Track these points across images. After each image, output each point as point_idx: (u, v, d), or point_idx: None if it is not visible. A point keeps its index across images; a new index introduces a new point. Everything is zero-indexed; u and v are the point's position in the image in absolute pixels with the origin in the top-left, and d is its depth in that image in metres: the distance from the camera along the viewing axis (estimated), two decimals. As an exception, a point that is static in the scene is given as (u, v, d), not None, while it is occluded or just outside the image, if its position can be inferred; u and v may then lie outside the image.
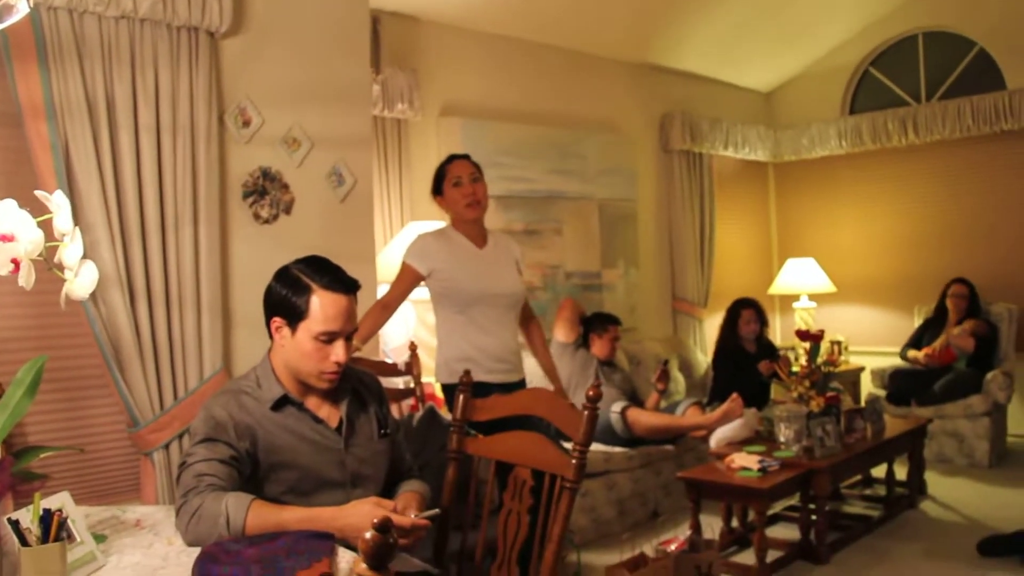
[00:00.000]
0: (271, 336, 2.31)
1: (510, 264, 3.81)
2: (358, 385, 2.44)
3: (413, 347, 4.39)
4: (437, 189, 3.78)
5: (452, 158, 3.78)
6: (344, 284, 2.26)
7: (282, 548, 1.83)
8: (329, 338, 2.23)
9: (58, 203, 1.90)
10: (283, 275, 2.29)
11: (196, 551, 1.87)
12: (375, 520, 1.41)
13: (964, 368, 6.52)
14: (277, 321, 2.27)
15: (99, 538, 2.04)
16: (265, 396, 2.27)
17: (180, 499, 2.05)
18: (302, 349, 2.23)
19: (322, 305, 2.21)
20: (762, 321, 6.34)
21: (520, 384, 3.76)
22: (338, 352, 2.24)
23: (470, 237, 3.74)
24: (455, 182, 3.70)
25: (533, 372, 4.15)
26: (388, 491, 2.44)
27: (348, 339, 2.27)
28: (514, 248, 3.90)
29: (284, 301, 2.24)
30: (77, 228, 1.91)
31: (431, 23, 5.49)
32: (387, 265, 4.74)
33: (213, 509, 1.99)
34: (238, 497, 2.02)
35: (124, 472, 3.74)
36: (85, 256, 1.96)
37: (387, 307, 3.68)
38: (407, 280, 3.69)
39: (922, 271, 7.55)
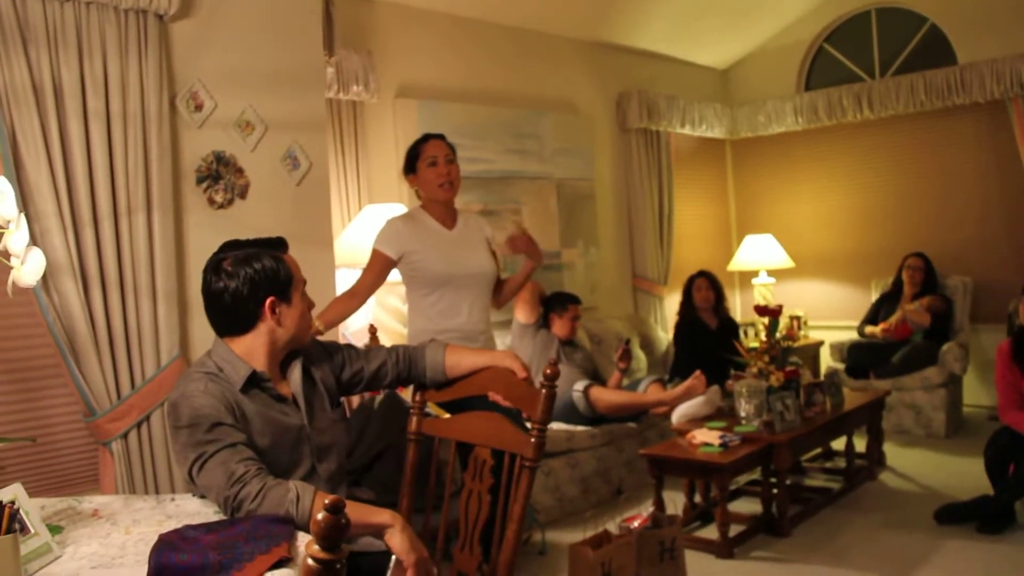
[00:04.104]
0: (252, 324, 2.29)
1: (480, 244, 3.78)
2: (303, 359, 2.43)
3: (373, 330, 4.37)
4: (410, 168, 3.72)
5: (427, 137, 3.72)
6: (285, 243, 2.39)
7: (240, 534, 1.82)
8: (304, 291, 2.38)
9: (2, 190, 1.86)
10: (253, 259, 2.27)
11: (153, 540, 1.84)
12: (324, 503, 1.39)
13: (921, 340, 6.61)
14: (273, 300, 2.28)
15: (55, 529, 2.02)
16: (232, 379, 2.24)
17: (234, 486, 2.02)
18: (299, 312, 2.33)
19: (293, 264, 2.35)
20: (716, 289, 6.40)
21: None
22: (309, 299, 2.40)
23: (439, 218, 3.71)
24: (431, 162, 3.64)
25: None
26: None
27: None
28: (485, 228, 3.86)
29: (275, 277, 2.28)
30: (23, 215, 1.88)
31: (385, 4, 5.44)
32: (345, 249, 4.71)
33: (279, 491, 2.01)
34: (303, 485, 2.05)
35: (83, 463, 3.70)
36: (35, 244, 1.93)
37: (355, 295, 3.62)
38: (378, 266, 3.64)
39: (878, 245, 7.64)
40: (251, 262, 2.26)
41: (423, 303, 3.67)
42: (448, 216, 3.73)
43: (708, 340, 6.20)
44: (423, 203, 3.75)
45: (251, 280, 2.25)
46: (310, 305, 2.39)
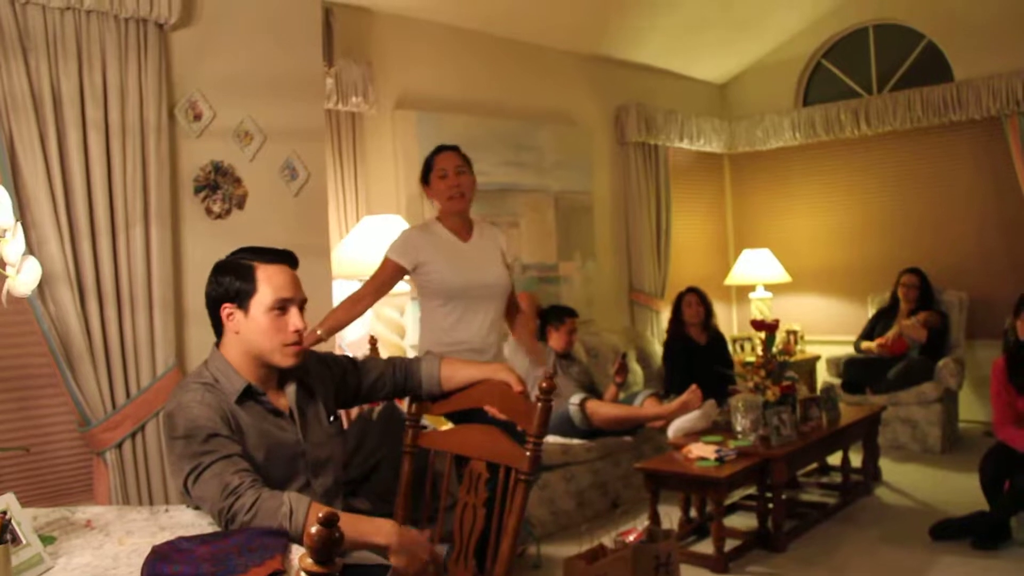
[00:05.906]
0: (219, 330, 2.30)
1: (495, 255, 3.77)
2: (301, 373, 2.42)
3: (372, 341, 4.36)
4: (425, 179, 3.74)
5: (440, 149, 3.74)
6: (284, 255, 2.32)
7: (234, 546, 1.81)
8: (283, 307, 2.26)
9: (-2, 199, 1.86)
10: (223, 266, 2.29)
11: (147, 551, 1.83)
12: (318, 516, 1.38)
13: (917, 356, 6.61)
14: (227, 308, 2.26)
15: (47, 540, 2.00)
16: (228, 390, 2.23)
17: (228, 497, 2.01)
18: (259, 327, 2.24)
19: (269, 277, 2.26)
20: (706, 305, 6.42)
21: None
22: (295, 320, 2.27)
23: (454, 230, 3.70)
24: (441, 174, 3.66)
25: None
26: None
27: (301, 309, 2.30)
28: (500, 238, 3.84)
29: (230, 286, 2.25)
30: (19, 224, 1.87)
31: (385, 15, 5.45)
32: (342, 260, 4.70)
33: (273, 503, 2.00)
34: (297, 497, 2.04)
35: (76, 473, 3.69)
36: (32, 253, 1.92)
37: (359, 301, 3.61)
38: (386, 275, 3.63)
39: (875, 260, 7.64)
40: (223, 268, 2.28)
41: (436, 314, 3.67)
42: (463, 227, 3.73)
43: (699, 356, 6.22)
44: (439, 214, 3.75)
45: (217, 284, 2.27)
46: (297, 327, 2.28)
